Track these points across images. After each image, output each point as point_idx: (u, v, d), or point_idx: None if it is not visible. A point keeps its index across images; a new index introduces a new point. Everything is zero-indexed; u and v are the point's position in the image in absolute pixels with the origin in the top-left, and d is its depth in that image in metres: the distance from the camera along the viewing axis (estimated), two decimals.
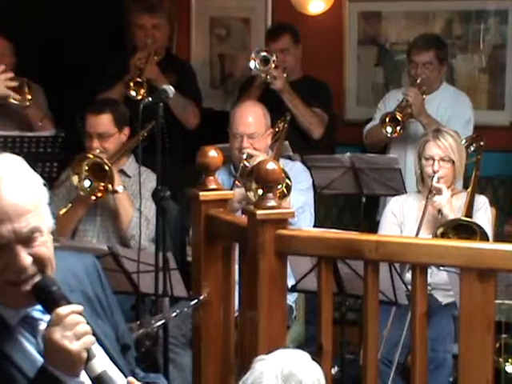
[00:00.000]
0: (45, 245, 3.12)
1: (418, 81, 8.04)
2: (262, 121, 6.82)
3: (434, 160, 6.67)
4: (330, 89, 8.79)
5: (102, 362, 3.13)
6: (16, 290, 3.07)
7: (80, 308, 3.10)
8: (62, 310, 3.05)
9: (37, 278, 3.07)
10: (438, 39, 8.50)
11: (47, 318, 3.16)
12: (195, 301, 5.38)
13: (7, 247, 3.03)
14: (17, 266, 3.03)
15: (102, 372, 3.08)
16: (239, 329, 5.32)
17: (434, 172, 6.66)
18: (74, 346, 3.00)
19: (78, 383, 3.07)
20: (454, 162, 6.70)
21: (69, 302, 3.11)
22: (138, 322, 5.15)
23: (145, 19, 8.60)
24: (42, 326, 3.19)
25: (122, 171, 6.92)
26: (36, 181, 3.21)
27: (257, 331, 5.01)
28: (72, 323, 3.03)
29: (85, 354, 3.03)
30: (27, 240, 3.06)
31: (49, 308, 3.10)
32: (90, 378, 3.07)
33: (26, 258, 3.04)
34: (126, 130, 6.92)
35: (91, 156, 6.74)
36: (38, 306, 3.19)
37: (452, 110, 8.00)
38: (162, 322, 5.39)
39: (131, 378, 3.38)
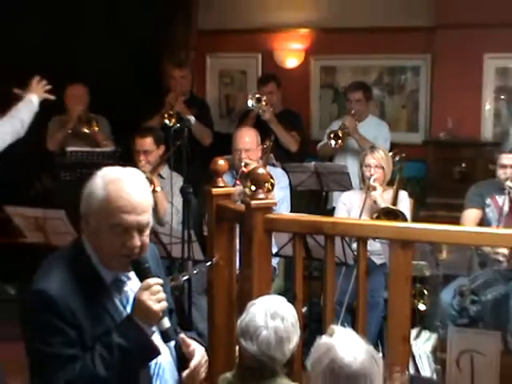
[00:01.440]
0: (147, 236, 3.20)
1: (352, 112, 8.11)
2: (254, 140, 6.91)
3: (370, 167, 6.73)
4: (301, 118, 8.85)
5: (167, 321, 3.17)
6: (124, 260, 3.13)
7: (161, 281, 3.16)
8: (151, 280, 3.12)
9: (137, 256, 3.14)
10: (364, 84, 8.59)
11: (130, 282, 3.25)
12: (209, 263, 5.40)
13: (129, 231, 3.10)
14: (131, 245, 3.11)
15: (168, 327, 3.14)
16: (239, 282, 5.36)
17: (371, 175, 6.71)
18: (155, 306, 3.06)
19: (151, 331, 3.09)
20: (384, 168, 6.76)
21: (153, 276, 3.17)
22: (171, 278, 5.17)
23: (176, 72, 8.66)
24: (126, 287, 3.24)
25: (159, 175, 6.95)
26: (147, 185, 3.30)
27: (251, 283, 5.05)
28: (156, 291, 3.10)
29: (160, 314, 3.08)
30: (141, 230, 3.15)
31: (141, 277, 3.16)
32: (160, 331, 3.13)
33: (138, 242, 3.12)
34: (162, 147, 6.95)
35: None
36: (126, 273, 3.25)
37: (376, 133, 8.06)
38: (187, 277, 5.45)
39: (182, 335, 3.47)
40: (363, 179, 6.93)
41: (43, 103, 7.55)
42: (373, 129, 8.20)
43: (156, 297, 3.10)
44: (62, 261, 3.22)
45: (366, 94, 8.35)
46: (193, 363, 3.32)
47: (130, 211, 3.11)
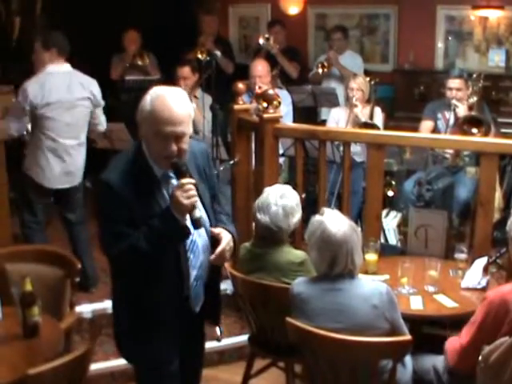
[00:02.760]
0: (185, 143, 3.11)
1: (334, 48, 7.98)
2: (265, 69, 6.78)
3: (353, 90, 6.62)
4: (300, 52, 8.72)
5: (199, 212, 3.14)
6: (166, 161, 3.08)
7: (193, 181, 3.09)
8: (184, 180, 3.06)
9: (176, 159, 3.08)
10: (343, 27, 8.42)
11: (174, 180, 3.18)
12: (232, 161, 5.39)
13: (167, 139, 3.04)
14: (169, 150, 3.05)
15: (198, 217, 3.09)
16: (254, 175, 5.35)
17: (353, 96, 6.62)
18: (185, 201, 3.01)
19: (183, 219, 3.07)
20: (363, 90, 6.65)
21: (190, 177, 3.12)
22: None
23: (206, 18, 8.52)
24: (172, 181, 3.19)
25: (195, 96, 6.87)
26: (188, 102, 3.19)
27: (263, 176, 5.06)
28: (187, 189, 3.03)
29: (189, 207, 3.03)
30: (178, 138, 3.07)
31: (178, 177, 3.10)
32: (192, 219, 3.09)
33: (174, 147, 3.06)
34: (197, 75, 6.83)
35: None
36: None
37: (352, 63, 7.92)
38: (216, 172, 5.42)
39: (219, 230, 3.36)
40: (347, 99, 6.81)
41: (107, 45, 7.54)
42: (350, 60, 8.04)
43: (187, 194, 3.04)
44: (125, 158, 3.20)
45: (343, 34, 8.19)
46: (219, 247, 3.28)
47: (167, 122, 3.04)
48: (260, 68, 6.75)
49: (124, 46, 8.03)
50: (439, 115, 6.47)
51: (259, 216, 4.01)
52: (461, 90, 6.31)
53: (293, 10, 9.24)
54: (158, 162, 3.16)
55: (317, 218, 3.51)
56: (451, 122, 6.30)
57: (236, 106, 5.43)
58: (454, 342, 3.57)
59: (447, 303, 4.08)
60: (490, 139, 5.59)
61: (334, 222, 3.44)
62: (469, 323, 3.47)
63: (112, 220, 3.11)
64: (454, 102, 6.19)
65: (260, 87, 6.47)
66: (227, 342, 5.11)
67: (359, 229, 3.57)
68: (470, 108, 6.18)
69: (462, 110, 6.11)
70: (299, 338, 3.47)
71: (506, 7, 8.35)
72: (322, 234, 3.42)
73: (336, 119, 6.80)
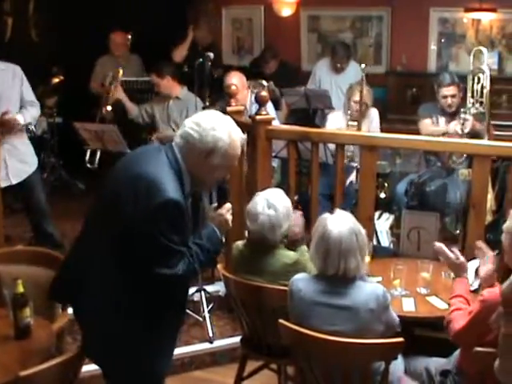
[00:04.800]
0: None
1: (338, 66, 8.02)
2: (240, 83, 6.57)
3: (357, 103, 6.52)
4: (293, 66, 8.81)
5: None
6: (212, 186, 3.25)
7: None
8: (228, 205, 3.41)
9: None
10: (346, 44, 8.46)
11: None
12: None
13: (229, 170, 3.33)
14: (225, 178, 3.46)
15: None
16: (246, 176, 5.35)
17: (356, 111, 6.53)
18: (230, 224, 3.41)
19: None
20: (367, 104, 6.59)
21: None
22: None
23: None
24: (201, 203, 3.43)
25: (177, 97, 6.85)
26: None
27: (255, 178, 5.06)
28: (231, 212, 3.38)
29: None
30: None
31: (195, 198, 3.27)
32: None
33: None
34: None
35: None
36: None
37: (357, 74, 7.76)
38: None
39: None
40: (349, 108, 6.69)
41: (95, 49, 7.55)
42: (354, 72, 7.91)
43: (231, 217, 3.33)
44: (169, 174, 3.04)
45: (347, 52, 8.17)
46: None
47: (236, 158, 3.26)
48: (234, 85, 6.34)
49: (110, 48, 8.06)
50: (432, 119, 6.46)
51: (248, 223, 4.03)
52: (455, 97, 6.31)
53: (286, 12, 9.26)
54: (204, 185, 3.27)
55: (325, 215, 3.54)
56: (442, 125, 6.32)
57: (229, 108, 5.43)
58: (455, 320, 3.56)
59: (439, 305, 4.09)
60: (483, 141, 5.62)
61: (335, 221, 3.45)
62: (466, 310, 3.48)
63: (180, 240, 3.05)
64: (463, 116, 6.11)
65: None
66: (219, 343, 5.12)
67: (364, 231, 3.54)
68: (476, 119, 6.16)
69: (470, 124, 6.07)
70: (292, 339, 3.48)
71: (499, 10, 8.38)
72: (322, 230, 3.45)
73: (335, 124, 6.74)
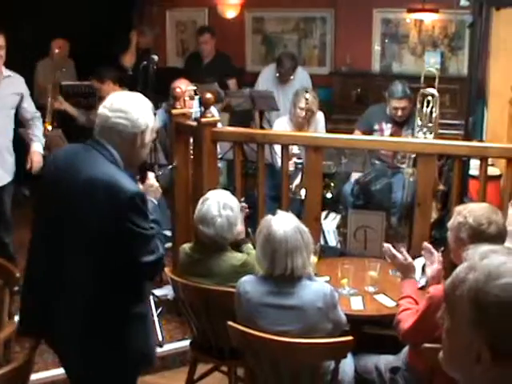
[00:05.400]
0: None
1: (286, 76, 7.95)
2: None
3: (302, 110, 6.48)
4: (232, 58, 8.65)
5: None
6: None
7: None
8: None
9: None
10: (291, 54, 8.27)
11: None
12: (171, 166, 5.37)
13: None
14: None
15: None
16: (193, 179, 5.33)
17: (301, 117, 6.50)
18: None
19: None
20: (313, 111, 6.57)
21: None
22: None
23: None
24: None
25: None
26: None
27: (202, 180, 5.05)
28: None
29: None
30: None
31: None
32: None
33: None
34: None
35: None
36: None
37: (304, 80, 7.88)
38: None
39: None
40: (295, 114, 6.62)
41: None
42: (301, 78, 7.95)
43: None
44: (110, 165, 3.09)
45: (293, 62, 8.10)
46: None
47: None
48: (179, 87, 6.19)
49: (51, 53, 8.04)
50: (376, 126, 6.47)
51: (202, 228, 3.97)
52: (406, 109, 6.37)
53: (230, 13, 9.28)
54: (134, 166, 3.27)
55: (268, 217, 3.55)
56: (386, 133, 6.39)
57: (174, 111, 5.41)
58: (404, 320, 3.59)
59: (387, 303, 4.14)
60: (428, 140, 5.69)
61: (279, 221, 3.47)
62: (414, 309, 3.52)
63: (148, 224, 3.09)
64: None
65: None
66: (169, 347, 5.09)
67: (308, 232, 3.56)
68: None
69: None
70: (241, 341, 3.48)
71: (441, 10, 8.49)
72: (266, 231, 3.46)
73: (280, 127, 6.70)
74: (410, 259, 3.84)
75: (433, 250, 3.81)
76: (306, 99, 6.48)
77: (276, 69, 7.98)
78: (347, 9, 8.93)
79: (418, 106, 6.08)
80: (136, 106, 3.15)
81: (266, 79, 8.16)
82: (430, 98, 6.05)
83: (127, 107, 3.13)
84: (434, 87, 6.17)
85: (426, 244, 3.88)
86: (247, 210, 4.57)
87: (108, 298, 3.09)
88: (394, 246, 3.98)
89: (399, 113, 6.34)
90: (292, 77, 7.88)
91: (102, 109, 3.16)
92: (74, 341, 3.14)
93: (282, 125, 6.73)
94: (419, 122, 6.02)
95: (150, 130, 3.19)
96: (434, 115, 6.05)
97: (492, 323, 1.43)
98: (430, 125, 6.00)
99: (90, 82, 7.21)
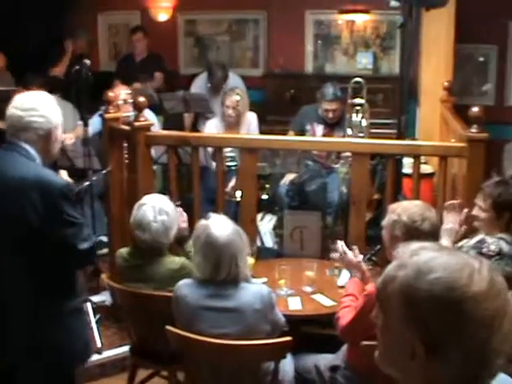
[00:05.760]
0: None
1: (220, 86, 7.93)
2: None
3: (229, 108, 6.52)
4: (164, 59, 8.69)
5: None
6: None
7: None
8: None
9: None
10: (222, 64, 8.20)
11: None
12: (105, 171, 5.33)
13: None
14: None
15: None
16: (128, 184, 5.30)
17: (229, 116, 6.53)
18: None
19: None
20: (242, 110, 6.57)
21: None
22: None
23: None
24: None
25: None
26: None
27: (136, 185, 5.02)
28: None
29: None
30: None
31: None
32: None
33: None
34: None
35: None
36: None
37: (237, 84, 7.83)
38: (89, 182, 5.33)
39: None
40: (223, 114, 6.67)
41: None
42: (234, 82, 7.88)
43: None
44: (32, 163, 3.17)
45: (225, 74, 8.12)
46: None
47: None
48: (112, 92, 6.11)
49: None
50: (308, 127, 6.54)
51: (138, 233, 3.96)
52: (337, 111, 6.43)
53: (162, 16, 9.26)
54: (48, 160, 3.28)
55: (202, 222, 3.53)
56: (318, 134, 6.44)
57: (107, 115, 5.37)
58: (343, 317, 3.62)
59: (325, 302, 4.17)
60: (361, 140, 5.75)
61: (218, 226, 3.46)
62: (352, 307, 3.55)
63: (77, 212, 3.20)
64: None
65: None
66: (108, 353, 5.04)
67: (244, 234, 3.57)
68: None
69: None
70: (180, 345, 3.47)
71: (372, 11, 8.60)
72: (207, 238, 3.43)
73: (210, 130, 6.71)
74: (359, 258, 3.87)
75: (351, 256, 3.84)
76: (234, 98, 6.54)
77: (207, 79, 8.00)
78: (280, 11, 8.96)
79: (347, 116, 6.18)
80: (46, 103, 3.23)
81: (199, 88, 8.14)
82: (358, 107, 6.14)
83: (38, 105, 3.20)
84: (361, 96, 6.26)
85: (341, 247, 3.89)
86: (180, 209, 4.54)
87: (44, 295, 3.16)
88: (330, 246, 4.01)
89: (330, 115, 6.41)
90: (224, 86, 7.87)
91: (12, 110, 3.20)
92: (14, 337, 3.21)
93: (213, 126, 6.74)
94: (349, 132, 6.11)
95: (60, 125, 3.27)
96: (364, 124, 6.14)
97: (424, 318, 1.44)
98: (361, 134, 6.08)
99: (17, 89, 7.13)
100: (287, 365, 3.76)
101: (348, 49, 9.02)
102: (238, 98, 6.55)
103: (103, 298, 5.50)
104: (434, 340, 1.44)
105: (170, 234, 3.99)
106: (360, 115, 6.15)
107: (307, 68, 9.13)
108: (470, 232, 4.05)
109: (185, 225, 4.28)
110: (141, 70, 8.19)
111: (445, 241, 3.72)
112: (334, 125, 6.48)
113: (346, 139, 5.77)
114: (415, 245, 1.55)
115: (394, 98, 7.38)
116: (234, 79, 8.06)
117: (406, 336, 1.47)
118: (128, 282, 4.03)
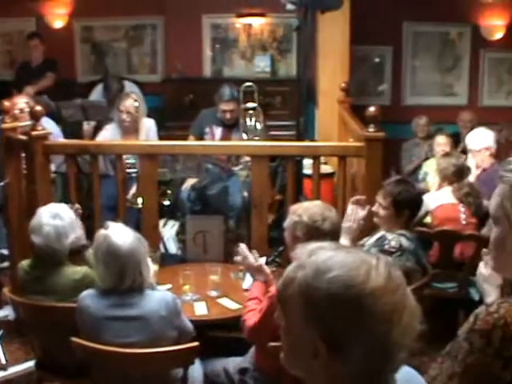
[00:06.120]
0: None
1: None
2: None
3: (123, 112, 6.43)
4: (58, 63, 8.58)
5: None
6: None
7: None
8: None
9: None
10: (119, 78, 8.40)
11: None
12: (3, 183, 5.22)
13: None
14: None
15: None
16: (27, 195, 5.21)
17: (125, 122, 6.41)
18: None
19: None
20: (137, 114, 6.45)
21: None
22: None
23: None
24: None
25: None
26: None
27: (35, 195, 4.95)
28: None
29: None
30: None
31: None
32: None
33: None
34: None
35: None
36: None
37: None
38: None
39: None
40: (119, 119, 6.53)
41: None
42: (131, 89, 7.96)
43: None
44: None
45: (121, 86, 8.08)
46: None
47: None
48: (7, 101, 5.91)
49: None
50: (207, 129, 6.57)
51: (33, 237, 3.91)
52: (234, 111, 6.48)
53: (58, 23, 9.16)
54: None
55: (101, 232, 3.48)
56: (217, 138, 6.47)
57: (3, 125, 5.26)
58: (248, 320, 3.63)
59: (231, 306, 4.18)
60: (261, 142, 5.80)
61: (119, 234, 3.42)
62: (257, 310, 3.57)
63: None
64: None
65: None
66: (13, 369, 4.94)
67: (145, 240, 3.55)
68: None
69: None
70: (87, 356, 3.42)
71: (268, 14, 8.69)
72: (108, 247, 3.39)
73: (108, 138, 6.61)
74: (260, 261, 3.88)
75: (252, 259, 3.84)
76: (129, 102, 6.47)
77: (103, 93, 7.92)
78: (177, 15, 8.97)
79: (242, 121, 6.22)
80: None
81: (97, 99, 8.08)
82: (251, 111, 6.20)
83: None
84: (254, 100, 6.33)
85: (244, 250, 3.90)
86: (81, 211, 4.47)
87: None
88: (233, 249, 4.02)
89: (228, 115, 6.46)
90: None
91: None
92: None
93: (109, 133, 6.63)
94: (245, 136, 6.16)
95: None
96: (258, 127, 6.20)
97: (324, 317, 1.46)
98: (257, 138, 6.13)
99: None
100: (196, 370, 3.75)
101: (246, 52, 9.10)
102: (132, 102, 6.48)
103: (6, 312, 5.39)
104: (335, 337, 1.46)
105: (62, 240, 3.91)
106: (254, 119, 6.20)
107: (205, 72, 9.17)
108: (372, 229, 4.14)
109: (80, 232, 4.22)
110: (36, 75, 8.11)
111: (344, 239, 3.79)
112: (232, 126, 6.53)
113: (245, 142, 5.81)
114: (313, 245, 1.58)
115: (293, 100, 7.46)
116: (130, 89, 8.01)
117: (307, 336, 1.49)
118: (30, 294, 3.95)
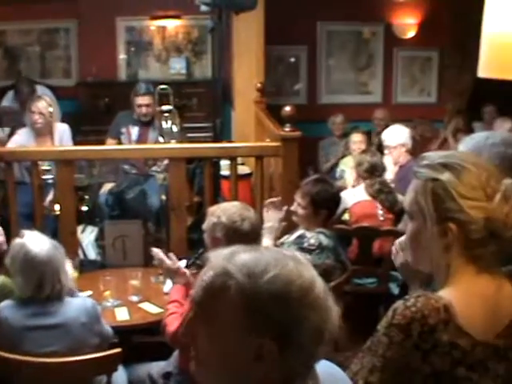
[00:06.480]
0: None
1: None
2: None
3: (35, 113, 6.25)
4: None
5: None
6: None
7: None
8: None
9: None
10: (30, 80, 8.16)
11: None
12: None
13: None
14: None
15: None
16: None
17: (37, 123, 6.22)
18: None
19: None
20: (49, 120, 6.32)
21: None
22: None
23: None
24: None
25: None
26: None
27: None
28: None
29: None
30: None
31: None
32: None
33: None
34: None
35: None
36: None
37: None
38: None
39: None
40: (31, 121, 6.27)
41: None
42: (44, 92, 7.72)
43: None
44: None
45: (32, 88, 7.83)
46: None
47: None
48: None
49: None
50: (123, 129, 6.54)
51: None
52: (150, 106, 6.46)
53: None
54: None
55: (17, 241, 3.42)
56: (133, 138, 6.45)
57: None
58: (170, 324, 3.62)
59: (152, 310, 4.17)
60: (177, 145, 5.78)
61: (35, 242, 3.37)
62: (178, 313, 3.55)
63: None
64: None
65: None
66: None
67: (62, 247, 3.51)
68: None
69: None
70: (7, 369, 3.35)
71: (183, 17, 8.68)
72: (25, 256, 3.33)
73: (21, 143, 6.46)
74: (178, 264, 3.86)
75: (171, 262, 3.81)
76: (40, 104, 6.28)
77: (14, 97, 7.78)
78: (90, 19, 8.84)
79: (158, 123, 6.21)
80: None
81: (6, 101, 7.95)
82: (167, 114, 6.20)
83: None
84: (169, 103, 6.33)
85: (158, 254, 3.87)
86: None
87: None
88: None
89: (143, 110, 6.45)
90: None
91: None
92: None
93: (22, 137, 6.45)
94: (161, 140, 6.15)
95: None
96: (175, 130, 6.20)
97: (274, 317, 1.45)
98: (174, 141, 6.12)
99: None
100: (120, 377, 3.73)
101: (161, 55, 9.07)
102: (44, 103, 6.31)
103: None
104: (285, 334, 1.45)
105: None
106: (170, 121, 6.20)
107: (120, 75, 9.10)
108: (291, 228, 4.18)
109: (2, 238, 4.14)
110: None
111: (266, 239, 3.81)
112: (148, 125, 6.50)
113: (163, 145, 5.78)
114: (224, 251, 1.56)
115: (209, 102, 7.46)
116: (42, 92, 7.84)
117: (246, 342, 1.47)
118: None
